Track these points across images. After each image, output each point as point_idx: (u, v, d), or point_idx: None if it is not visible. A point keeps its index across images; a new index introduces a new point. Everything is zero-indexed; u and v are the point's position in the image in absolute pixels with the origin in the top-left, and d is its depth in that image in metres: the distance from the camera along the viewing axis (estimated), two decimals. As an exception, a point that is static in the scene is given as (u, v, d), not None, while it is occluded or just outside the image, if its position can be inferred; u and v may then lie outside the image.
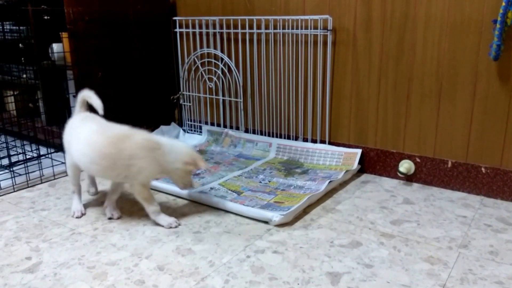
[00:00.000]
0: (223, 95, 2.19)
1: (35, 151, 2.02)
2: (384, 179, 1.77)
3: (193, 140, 2.25)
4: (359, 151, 1.81)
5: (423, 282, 1.09)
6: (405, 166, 1.71)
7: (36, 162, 1.88)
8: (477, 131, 1.57)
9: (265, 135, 2.09)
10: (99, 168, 1.35)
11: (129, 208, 1.53)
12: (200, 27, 2.15)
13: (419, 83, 1.65)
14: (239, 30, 2.03)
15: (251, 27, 2.01)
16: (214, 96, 2.22)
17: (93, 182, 1.65)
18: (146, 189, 1.38)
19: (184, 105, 2.33)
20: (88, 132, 1.36)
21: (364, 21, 1.72)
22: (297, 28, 1.88)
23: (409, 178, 1.74)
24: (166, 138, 1.42)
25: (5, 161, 1.93)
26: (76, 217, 1.46)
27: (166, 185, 1.64)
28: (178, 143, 1.43)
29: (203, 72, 2.22)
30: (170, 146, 1.38)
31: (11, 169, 1.82)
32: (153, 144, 1.35)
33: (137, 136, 1.34)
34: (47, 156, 1.98)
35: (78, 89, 1.92)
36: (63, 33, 1.91)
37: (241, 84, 2.11)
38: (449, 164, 1.64)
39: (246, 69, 2.08)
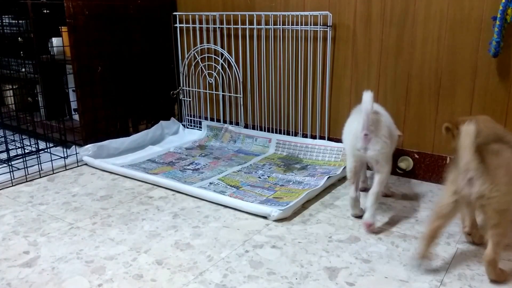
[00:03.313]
0: (223, 91, 2.18)
1: (33, 146, 2.02)
2: (383, 175, 1.77)
3: (192, 135, 2.25)
4: (358, 147, 1.80)
5: (421, 278, 1.09)
6: (404, 162, 1.71)
7: (34, 156, 1.88)
8: (476, 128, 1.57)
9: (264, 130, 2.09)
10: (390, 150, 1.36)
11: (128, 202, 1.54)
12: (200, 22, 2.15)
13: (418, 80, 1.65)
14: (239, 26, 2.03)
15: (251, 23, 2.00)
16: (214, 92, 2.22)
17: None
18: None
19: (184, 100, 2.33)
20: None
21: (364, 17, 1.72)
22: (297, 24, 1.88)
23: (407, 174, 1.74)
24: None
25: (4, 155, 1.93)
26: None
27: (165, 180, 1.65)
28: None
29: (203, 68, 2.22)
30: (385, 115, 1.38)
31: (10, 163, 1.82)
32: None
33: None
34: (46, 150, 1.98)
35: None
36: (62, 27, 1.91)
37: (241, 79, 2.10)
38: (448, 161, 1.64)
39: (246, 65, 2.08)
